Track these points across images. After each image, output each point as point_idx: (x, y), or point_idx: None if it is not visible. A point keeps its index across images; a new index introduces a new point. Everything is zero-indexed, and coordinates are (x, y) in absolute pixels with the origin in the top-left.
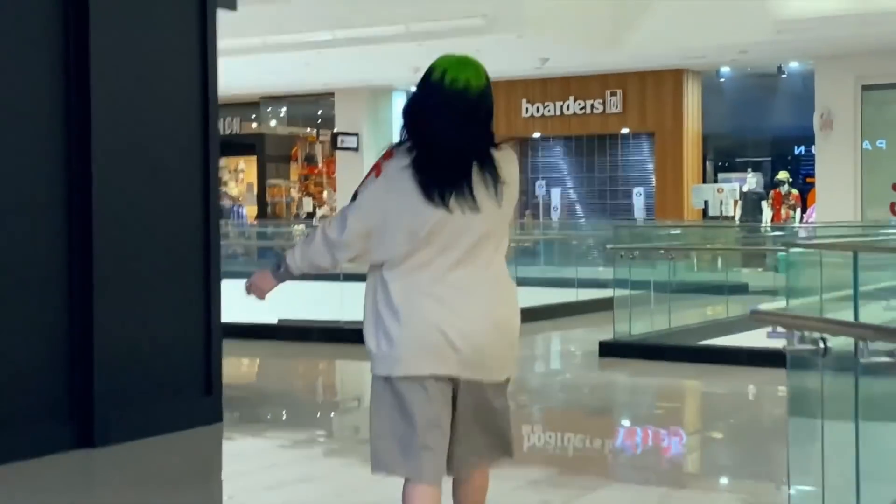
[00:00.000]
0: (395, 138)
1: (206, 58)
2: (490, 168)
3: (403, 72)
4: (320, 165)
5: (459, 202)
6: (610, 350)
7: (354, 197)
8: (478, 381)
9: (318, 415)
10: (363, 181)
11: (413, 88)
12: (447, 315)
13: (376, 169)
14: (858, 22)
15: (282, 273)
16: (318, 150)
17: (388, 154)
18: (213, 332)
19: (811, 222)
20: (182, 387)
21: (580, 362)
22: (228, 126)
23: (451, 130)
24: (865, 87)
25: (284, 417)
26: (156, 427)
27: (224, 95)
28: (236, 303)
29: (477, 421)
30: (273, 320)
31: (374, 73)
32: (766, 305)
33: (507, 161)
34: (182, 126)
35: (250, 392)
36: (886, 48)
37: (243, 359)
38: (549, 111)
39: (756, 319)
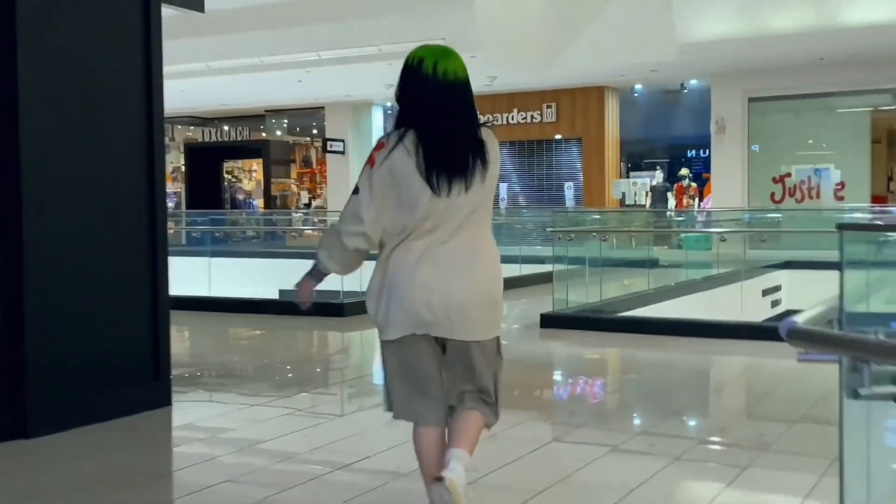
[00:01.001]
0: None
1: (149, 39)
2: (480, 152)
3: (379, 88)
4: (314, 166)
5: (455, 185)
6: (550, 322)
7: (356, 191)
8: (457, 339)
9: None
10: (361, 174)
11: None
12: (429, 285)
13: (371, 161)
14: (747, 44)
15: (315, 273)
16: (313, 154)
17: (380, 145)
18: (160, 314)
19: (707, 208)
20: (126, 371)
21: (524, 333)
22: (240, 134)
23: (448, 119)
24: (752, 100)
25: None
26: (97, 414)
27: (235, 108)
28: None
29: (458, 374)
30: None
31: (355, 89)
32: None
33: (491, 142)
34: (121, 107)
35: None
36: (769, 66)
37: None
38: (497, 121)
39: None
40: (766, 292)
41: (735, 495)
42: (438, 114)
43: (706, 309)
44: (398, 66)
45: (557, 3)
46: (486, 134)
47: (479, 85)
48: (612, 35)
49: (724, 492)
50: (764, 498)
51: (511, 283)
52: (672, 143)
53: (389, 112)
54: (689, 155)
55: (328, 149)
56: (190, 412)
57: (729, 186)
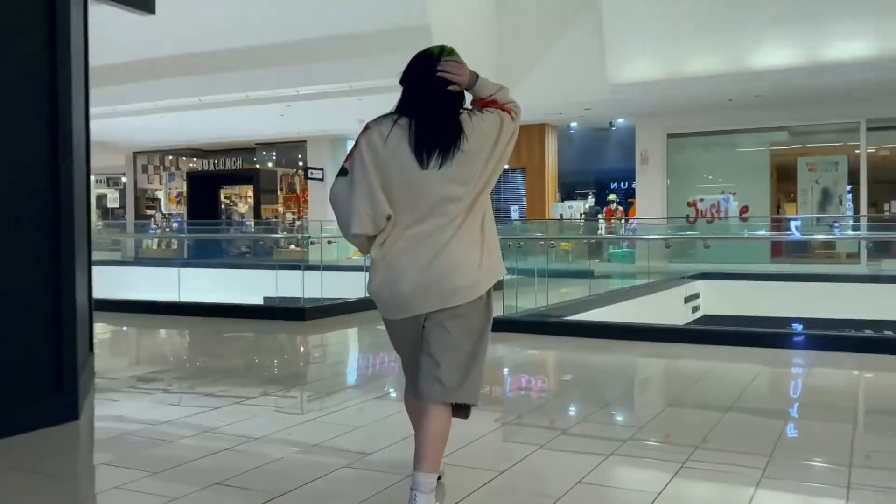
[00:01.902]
0: None
1: (54, 29)
2: (460, 133)
3: (351, 124)
4: (298, 191)
5: (434, 161)
6: (501, 325)
7: (343, 172)
8: (430, 315)
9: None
10: (349, 155)
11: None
12: (392, 267)
13: (356, 146)
14: (667, 86)
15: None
16: (297, 181)
17: (367, 128)
18: (64, 323)
19: (631, 227)
20: (22, 385)
21: None
22: (234, 164)
23: (440, 97)
24: (670, 135)
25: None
26: None
27: (230, 142)
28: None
29: (427, 353)
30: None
31: (331, 124)
32: None
33: (471, 125)
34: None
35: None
36: (685, 106)
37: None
38: None
39: None
40: (687, 299)
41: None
42: (434, 91)
43: (640, 314)
44: (368, 101)
45: (505, 48)
46: (466, 118)
47: None
48: (552, 78)
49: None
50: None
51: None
52: (601, 174)
53: None
54: (615, 186)
55: (309, 176)
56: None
57: (651, 210)
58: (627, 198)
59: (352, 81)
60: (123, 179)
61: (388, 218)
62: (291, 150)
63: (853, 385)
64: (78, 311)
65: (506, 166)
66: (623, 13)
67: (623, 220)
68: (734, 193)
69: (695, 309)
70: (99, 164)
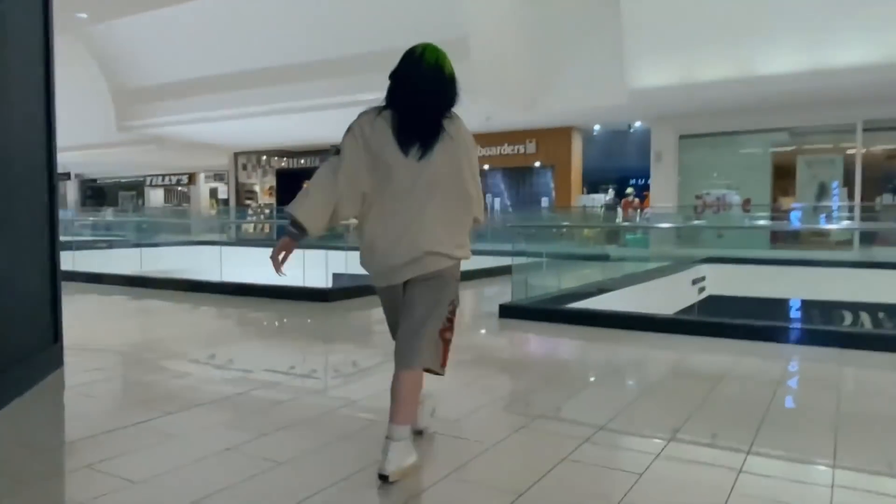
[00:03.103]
0: None
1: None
2: (442, 128)
3: None
4: None
5: (420, 148)
6: (509, 312)
7: (337, 151)
8: (406, 284)
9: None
10: (343, 139)
11: None
12: (376, 241)
13: (349, 132)
14: (681, 91)
15: (289, 231)
16: None
17: (357, 118)
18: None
19: (646, 217)
20: None
21: (481, 322)
22: (312, 163)
23: (425, 95)
24: (681, 137)
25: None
26: None
27: (309, 145)
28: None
29: (403, 318)
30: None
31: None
32: None
33: (455, 127)
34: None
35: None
36: (695, 111)
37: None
38: (492, 152)
39: None
40: (694, 282)
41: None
42: (420, 89)
43: (652, 295)
44: None
45: (536, 58)
46: (451, 122)
47: (479, 124)
48: (577, 86)
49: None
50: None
51: (496, 272)
52: (620, 172)
53: None
54: (632, 182)
55: None
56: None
57: (662, 201)
58: (643, 191)
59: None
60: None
61: (364, 197)
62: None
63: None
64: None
65: (537, 164)
66: (640, 25)
67: (638, 211)
68: (738, 189)
69: (701, 290)
70: (209, 163)
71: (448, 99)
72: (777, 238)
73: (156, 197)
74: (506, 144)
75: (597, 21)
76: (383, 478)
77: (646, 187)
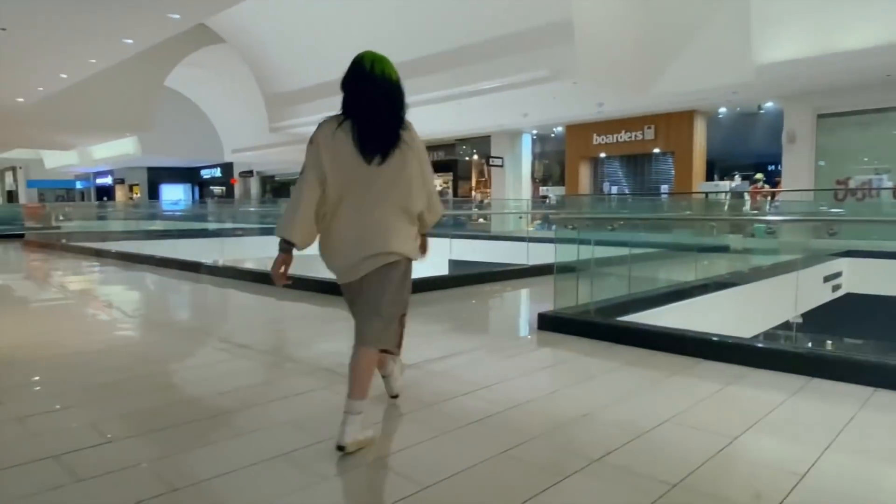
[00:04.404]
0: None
1: None
2: (398, 135)
3: (518, 118)
4: (486, 175)
5: (378, 155)
6: (549, 323)
7: (303, 171)
8: (359, 279)
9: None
10: (306, 152)
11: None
12: (336, 243)
13: (312, 142)
14: (816, 63)
15: (282, 247)
16: (484, 168)
17: (318, 128)
18: None
19: (776, 205)
20: None
21: (517, 333)
22: (438, 156)
23: (377, 105)
24: (820, 116)
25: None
26: None
27: (435, 139)
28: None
29: (363, 302)
30: None
31: (511, 119)
32: None
33: (410, 135)
34: None
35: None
36: (835, 86)
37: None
38: (609, 140)
39: None
40: (826, 278)
41: None
42: (371, 100)
43: (766, 297)
44: (529, 91)
45: (648, 36)
46: (406, 130)
47: (590, 112)
48: (698, 63)
49: None
50: None
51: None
52: (752, 156)
53: (534, 138)
54: (766, 166)
55: (491, 164)
56: None
57: (797, 187)
58: (774, 177)
59: (508, 77)
60: None
61: (328, 202)
62: (480, 143)
63: None
64: None
65: (656, 150)
66: None
67: (768, 199)
68: (888, 172)
69: (835, 288)
70: None
71: (402, 108)
72: None
73: None
74: (623, 132)
75: None
76: (340, 448)
77: (777, 174)
